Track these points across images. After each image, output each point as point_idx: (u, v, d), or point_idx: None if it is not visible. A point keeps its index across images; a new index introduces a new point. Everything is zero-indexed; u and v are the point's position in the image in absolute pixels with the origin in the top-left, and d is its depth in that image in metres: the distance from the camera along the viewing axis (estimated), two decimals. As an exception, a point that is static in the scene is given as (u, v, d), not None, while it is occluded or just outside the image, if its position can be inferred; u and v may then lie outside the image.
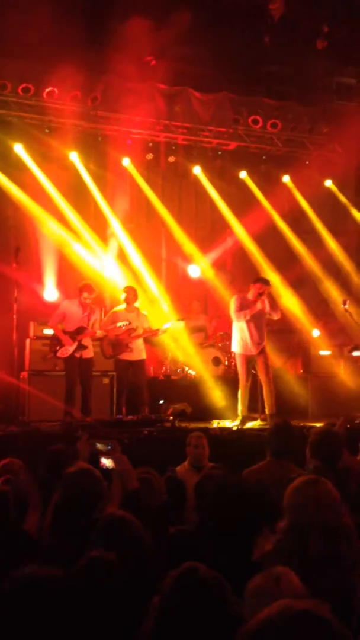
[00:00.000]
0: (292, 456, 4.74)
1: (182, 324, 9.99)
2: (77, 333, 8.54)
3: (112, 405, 9.40)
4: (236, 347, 8.92)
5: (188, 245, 12.09)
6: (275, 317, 9.02)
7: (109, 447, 4.15)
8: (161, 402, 9.16)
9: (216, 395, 9.66)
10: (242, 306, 8.71)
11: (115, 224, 11.65)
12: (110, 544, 2.49)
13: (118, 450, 4.25)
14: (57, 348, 8.52)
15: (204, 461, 5.90)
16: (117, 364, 9.23)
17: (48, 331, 9.42)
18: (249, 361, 8.81)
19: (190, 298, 11.73)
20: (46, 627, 1.82)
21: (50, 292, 10.77)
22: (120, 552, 2.42)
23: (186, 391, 9.72)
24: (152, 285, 11.65)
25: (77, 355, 8.55)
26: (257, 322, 8.77)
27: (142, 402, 9.05)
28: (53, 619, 1.84)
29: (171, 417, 8.52)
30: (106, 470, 3.76)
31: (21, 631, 1.80)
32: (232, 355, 10.79)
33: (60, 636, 1.83)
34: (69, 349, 8.49)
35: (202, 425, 8.45)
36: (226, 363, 10.70)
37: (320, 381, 10.58)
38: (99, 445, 4.21)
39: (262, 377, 8.83)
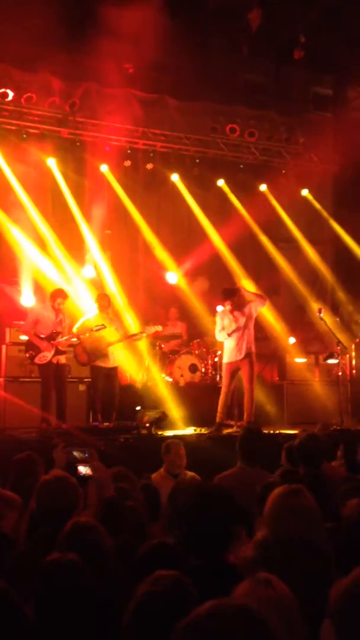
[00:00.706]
0: (262, 462, 4.81)
1: (160, 328, 9.94)
2: (51, 338, 8.49)
3: (89, 412, 9.36)
4: (224, 356, 8.87)
5: (165, 253, 12.11)
6: (263, 305, 9.06)
7: (86, 455, 4.16)
8: (137, 408, 9.16)
9: (194, 402, 9.67)
10: (224, 325, 8.74)
11: (92, 231, 11.63)
12: (71, 550, 2.51)
13: (95, 458, 4.25)
14: (34, 354, 8.46)
15: (181, 468, 5.91)
16: (93, 370, 9.19)
17: (25, 337, 9.38)
18: (234, 368, 8.76)
19: (167, 305, 11.75)
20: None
21: (26, 297, 10.70)
22: (82, 558, 2.43)
23: (163, 398, 9.71)
24: (129, 292, 11.66)
25: (54, 361, 8.51)
26: (242, 330, 8.76)
27: (113, 410, 9.03)
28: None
29: (147, 425, 8.52)
30: (83, 478, 3.76)
31: None
32: (209, 362, 10.85)
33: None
34: (47, 355, 8.42)
35: (178, 432, 8.47)
36: (203, 370, 10.72)
37: (295, 388, 10.66)
38: (75, 453, 4.21)
39: (245, 384, 8.80)
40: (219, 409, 8.73)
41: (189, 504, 2.91)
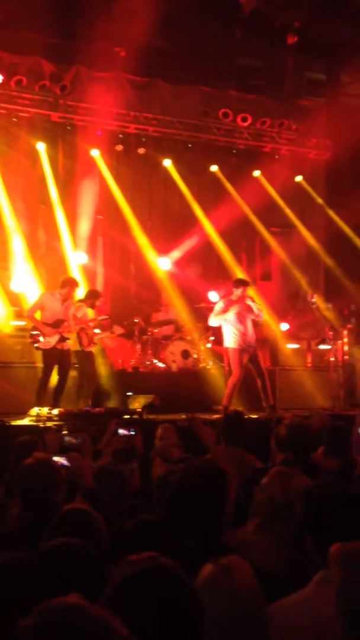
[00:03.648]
0: (243, 443, 4.94)
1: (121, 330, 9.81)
2: (56, 325, 8.46)
3: (78, 398, 9.33)
4: (230, 342, 8.75)
5: (157, 238, 12.05)
6: (260, 319, 9.11)
7: (79, 440, 4.12)
8: (129, 394, 9.13)
9: (186, 387, 9.64)
10: (222, 310, 8.72)
11: (83, 216, 11.56)
12: (67, 536, 2.47)
13: (88, 443, 4.22)
14: (38, 339, 8.43)
15: (172, 453, 5.89)
16: (88, 356, 9.15)
17: (18, 322, 9.36)
18: (244, 355, 8.68)
19: (159, 291, 11.71)
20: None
21: (16, 283, 10.63)
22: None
23: (154, 383, 9.70)
24: (121, 277, 11.62)
25: (59, 347, 8.49)
26: (246, 320, 8.77)
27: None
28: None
29: (139, 409, 8.49)
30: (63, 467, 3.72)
31: None
32: (201, 348, 10.82)
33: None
34: (50, 340, 8.41)
35: (170, 417, 8.44)
36: (195, 356, 10.70)
37: (287, 374, 10.63)
38: (67, 439, 4.18)
39: (264, 370, 8.90)
40: (228, 394, 8.63)
41: (181, 485, 2.87)
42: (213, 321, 8.90)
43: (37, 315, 8.60)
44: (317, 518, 2.44)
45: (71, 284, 8.76)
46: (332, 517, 2.40)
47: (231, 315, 8.68)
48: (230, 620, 1.82)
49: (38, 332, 8.42)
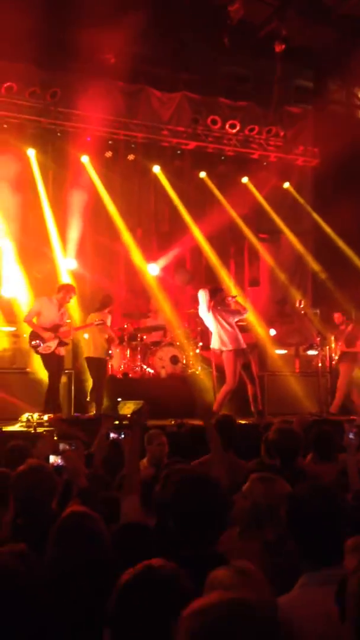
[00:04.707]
0: (234, 448, 4.90)
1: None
2: (54, 330, 8.54)
3: (70, 403, 9.39)
4: (227, 344, 8.73)
5: (146, 244, 12.11)
6: (245, 314, 9.21)
7: (73, 447, 4.16)
8: (119, 400, 9.18)
9: (175, 393, 9.69)
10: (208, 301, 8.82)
11: (73, 222, 11.59)
12: (69, 540, 2.51)
13: (81, 450, 4.26)
14: (39, 344, 8.49)
15: (164, 459, 5.94)
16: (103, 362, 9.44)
17: (6, 328, 9.39)
18: (239, 360, 8.70)
19: (149, 296, 11.76)
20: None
21: (4, 288, 10.66)
22: (82, 549, 2.44)
23: (144, 389, 9.74)
24: (111, 283, 11.65)
25: (58, 352, 8.60)
26: (233, 322, 8.86)
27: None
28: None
29: (129, 415, 8.53)
30: (56, 468, 3.76)
31: None
32: (190, 354, 10.87)
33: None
34: (50, 345, 8.49)
35: (159, 422, 8.48)
36: (184, 362, 10.76)
37: (275, 380, 10.71)
38: (61, 446, 4.22)
39: (254, 375, 8.96)
40: (220, 399, 8.63)
41: (178, 493, 2.89)
42: (203, 313, 8.96)
43: (34, 320, 8.66)
44: (300, 522, 2.48)
45: (67, 289, 8.88)
46: (316, 521, 2.43)
47: (224, 317, 8.75)
48: None
49: (38, 337, 8.48)
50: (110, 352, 9.54)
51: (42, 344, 8.47)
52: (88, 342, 9.46)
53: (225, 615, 1.37)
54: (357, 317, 11.08)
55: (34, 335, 8.55)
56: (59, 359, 8.68)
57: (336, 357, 10.23)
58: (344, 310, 10.77)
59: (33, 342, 8.52)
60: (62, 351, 8.73)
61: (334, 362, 10.81)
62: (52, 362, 8.56)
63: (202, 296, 8.93)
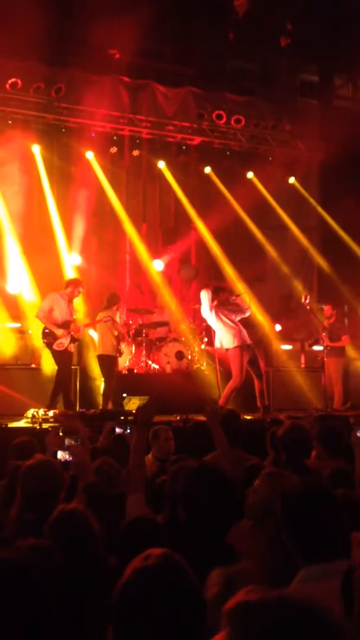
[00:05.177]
0: (241, 444, 4.90)
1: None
2: (65, 326, 8.55)
3: (76, 399, 9.40)
4: (230, 342, 8.71)
5: (151, 239, 12.11)
6: (248, 312, 9.14)
7: (79, 442, 4.16)
8: (124, 395, 9.19)
9: (180, 389, 9.70)
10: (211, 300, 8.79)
11: (78, 218, 11.60)
12: (59, 537, 2.52)
13: (87, 446, 4.26)
14: (52, 341, 8.49)
15: (169, 454, 5.94)
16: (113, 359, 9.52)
17: (11, 324, 9.42)
18: (245, 355, 8.65)
19: (154, 292, 11.76)
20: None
21: (11, 285, 10.67)
22: (72, 546, 2.45)
23: (149, 384, 9.75)
24: (116, 279, 11.66)
25: (70, 349, 8.65)
26: (237, 319, 8.83)
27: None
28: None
29: (134, 411, 8.54)
30: (63, 463, 3.77)
31: None
32: (195, 349, 10.87)
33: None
34: (63, 341, 8.50)
35: (164, 418, 8.48)
36: (189, 357, 10.75)
37: (281, 375, 10.70)
38: (67, 441, 4.22)
39: (262, 370, 8.95)
40: (227, 394, 8.60)
41: (190, 483, 2.88)
42: (206, 313, 8.91)
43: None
44: (294, 518, 2.47)
45: (75, 283, 8.89)
46: (309, 517, 2.42)
47: (226, 315, 8.73)
48: None
49: (51, 334, 8.48)
50: (120, 348, 9.56)
51: (56, 341, 8.47)
52: (98, 340, 9.48)
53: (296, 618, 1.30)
54: (342, 313, 10.92)
55: (47, 332, 8.54)
56: (70, 356, 8.71)
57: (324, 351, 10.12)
58: (335, 303, 10.67)
59: (45, 340, 8.53)
60: (72, 348, 8.75)
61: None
62: (65, 358, 8.56)
63: (205, 296, 8.91)
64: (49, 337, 8.51)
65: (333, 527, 2.42)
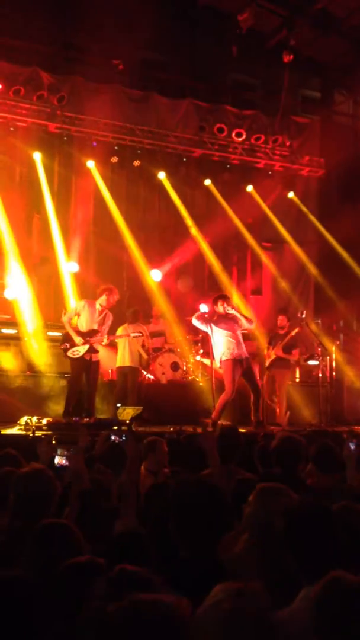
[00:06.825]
0: (237, 460, 4.82)
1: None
2: (88, 335, 8.47)
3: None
4: (223, 354, 8.58)
5: (150, 249, 12.13)
6: (251, 325, 9.02)
7: (72, 452, 4.15)
8: (118, 405, 9.17)
9: (175, 399, 9.70)
10: (208, 314, 8.73)
11: (77, 226, 11.63)
12: (43, 550, 2.52)
13: (81, 455, 4.25)
14: (68, 347, 8.43)
15: (162, 466, 5.92)
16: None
17: (7, 331, 9.42)
18: (237, 368, 8.55)
19: (151, 302, 11.76)
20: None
21: (11, 291, 10.65)
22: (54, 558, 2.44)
23: (144, 395, 9.74)
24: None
25: (87, 357, 8.47)
26: (236, 332, 8.67)
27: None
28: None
29: (128, 421, 8.52)
30: (59, 469, 3.77)
31: None
32: (191, 360, 10.87)
33: None
34: (79, 350, 8.40)
35: (158, 429, 8.47)
36: (184, 368, 10.75)
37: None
38: (60, 451, 4.21)
39: (257, 384, 8.92)
40: (218, 408, 8.50)
41: (180, 496, 2.88)
42: (196, 321, 8.78)
43: (74, 321, 8.59)
44: (296, 537, 2.47)
45: (109, 291, 8.67)
46: (313, 536, 2.43)
47: (221, 327, 8.66)
48: None
49: (68, 341, 8.45)
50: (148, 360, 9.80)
51: (72, 348, 8.41)
52: (123, 352, 9.50)
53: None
54: (295, 324, 10.77)
55: (65, 338, 8.52)
56: (91, 365, 8.52)
57: (267, 362, 9.98)
58: (289, 315, 10.47)
59: (62, 345, 8.50)
60: (96, 357, 8.58)
61: (334, 374, 10.80)
62: (79, 367, 8.47)
63: (204, 308, 8.91)
64: (65, 344, 8.46)
65: (335, 547, 2.43)
